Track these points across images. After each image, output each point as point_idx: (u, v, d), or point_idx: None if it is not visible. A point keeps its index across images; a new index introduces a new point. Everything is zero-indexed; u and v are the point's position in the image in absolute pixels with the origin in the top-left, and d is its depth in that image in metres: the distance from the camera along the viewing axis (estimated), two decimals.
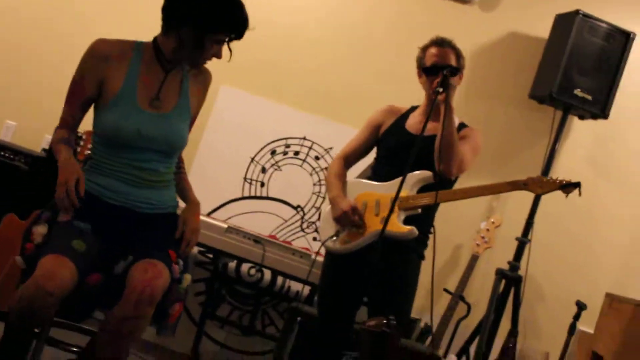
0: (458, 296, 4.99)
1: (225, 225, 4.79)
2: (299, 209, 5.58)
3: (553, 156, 5.36)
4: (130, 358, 3.02)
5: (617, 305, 4.83)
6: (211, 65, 3.29)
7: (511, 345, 5.02)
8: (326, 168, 5.50)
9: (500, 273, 5.13)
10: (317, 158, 5.60)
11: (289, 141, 5.64)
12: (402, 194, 3.65)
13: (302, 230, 5.56)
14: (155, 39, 3.19)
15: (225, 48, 3.17)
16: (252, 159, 5.61)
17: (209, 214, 5.32)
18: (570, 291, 5.36)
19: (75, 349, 3.93)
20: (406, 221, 3.75)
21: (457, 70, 3.82)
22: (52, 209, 3.09)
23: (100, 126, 3.11)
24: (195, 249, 4.94)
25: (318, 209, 5.56)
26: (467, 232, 5.41)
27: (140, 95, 3.12)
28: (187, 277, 3.18)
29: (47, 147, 5.38)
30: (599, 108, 5.25)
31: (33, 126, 5.58)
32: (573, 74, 5.18)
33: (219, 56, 3.15)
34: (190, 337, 5.22)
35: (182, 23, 3.05)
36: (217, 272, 5.15)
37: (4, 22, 5.73)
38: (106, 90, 3.11)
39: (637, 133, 5.70)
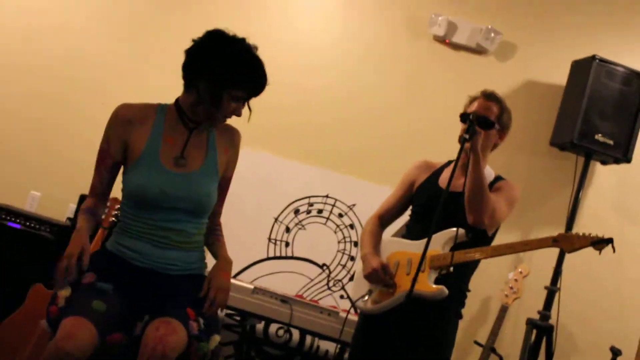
0: (489, 349, 4.93)
1: (251, 287, 4.77)
2: (324, 267, 5.56)
3: (577, 203, 5.33)
4: None
5: None
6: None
7: None
8: (350, 225, 5.50)
9: (531, 323, 5.08)
10: (340, 215, 5.59)
11: (312, 199, 5.64)
12: (433, 252, 3.59)
13: (329, 288, 5.53)
14: (177, 99, 3.22)
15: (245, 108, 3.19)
16: (276, 219, 5.61)
17: (235, 276, 5.31)
18: (604, 337, 5.29)
19: None
20: (439, 280, 3.64)
21: (488, 123, 3.74)
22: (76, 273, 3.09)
23: (126, 188, 3.15)
24: (223, 311, 4.92)
25: (344, 266, 5.53)
26: (495, 283, 5.36)
27: (164, 154, 3.14)
28: (216, 338, 3.14)
29: (71, 216, 5.41)
30: (621, 152, 5.23)
31: (57, 196, 5.63)
32: (593, 119, 5.17)
33: (238, 114, 3.16)
34: None
35: (200, 78, 3.08)
36: (245, 333, 5.12)
37: (26, 96, 5.81)
38: (130, 153, 3.14)
39: None
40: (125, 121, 3.15)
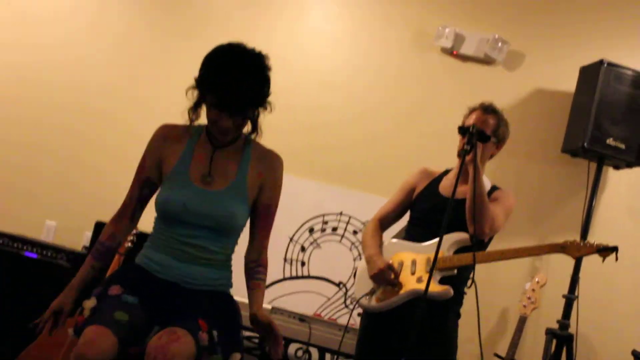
0: None
1: (269, 307, 4.78)
2: (341, 285, 5.55)
3: (592, 209, 5.30)
4: None
5: None
6: None
7: None
8: None
9: (550, 333, 5.05)
10: (355, 232, 5.59)
11: (326, 217, 5.65)
12: (439, 254, 3.67)
13: (346, 306, 5.53)
14: None
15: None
16: (291, 239, 5.61)
17: None
18: (624, 343, 5.22)
19: None
20: (442, 282, 3.78)
21: (484, 137, 3.85)
22: (104, 285, 3.13)
23: (156, 201, 3.19)
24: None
25: None
26: (512, 294, 5.34)
27: (193, 171, 3.18)
28: (236, 357, 3.10)
29: (87, 244, 5.44)
30: (634, 156, 5.19)
31: (73, 225, 5.67)
32: (604, 123, 5.15)
33: (220, 125, 3.09)
34: None
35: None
36: (264, 356, 5.11)
37: (39, 127, 5.88)
38: (164, 170, 3.20)
39: None
40: (162, 138, 3.23)
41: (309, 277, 5.58)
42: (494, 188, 4.05)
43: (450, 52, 5.80)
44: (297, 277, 5.58)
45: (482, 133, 3.84)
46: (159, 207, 3.17)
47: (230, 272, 3.33)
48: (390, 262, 3.93)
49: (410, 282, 3.85)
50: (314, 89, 5.85)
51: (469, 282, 3.63)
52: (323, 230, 5.63)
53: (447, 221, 3.41)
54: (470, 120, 3.94)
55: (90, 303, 3.08)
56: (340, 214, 5.63)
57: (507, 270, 4.99)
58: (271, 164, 3.33)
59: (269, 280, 5.41)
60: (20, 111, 5.90)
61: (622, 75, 5.21)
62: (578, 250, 3.75)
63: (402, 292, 3.86)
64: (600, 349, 5.51)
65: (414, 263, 3.89)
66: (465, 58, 5.81)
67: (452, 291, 3.73)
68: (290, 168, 5.53)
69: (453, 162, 4.08)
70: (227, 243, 3.27)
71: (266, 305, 4.76)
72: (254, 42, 5.87)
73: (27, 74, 5.94)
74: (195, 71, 3.14)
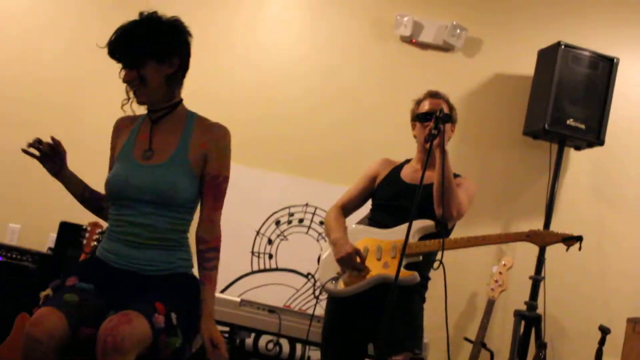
0: (479, 344, 4.92)
1: (238, 299, 4.76)
2: (309, 277, 5.55)
3: (555, 190, 5.34)
4: None
5: None
6: None
7: None
8: None
9: (519, 314, 5.09)
10: (321, 223, 5.59)
11: (292, 209, 5.64)
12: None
13: (315, 297, 5.51)
14: None
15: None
16: (258, 232, 5.60)
17: (220, 293, 5.29)
18: (591, 322, 5.24)
19: None
20: (407, 267, 3.78)
21: (449, 117, 3.85)
22: (62, 278, 3.13)
23: (105, 184, 3.25)
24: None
25: None
26: (480, 278, 5.38)
27: (136, 150, 3.24)
28: (199, 339, 3.15)
29: (52, 245, 5.39)
30: (594, 135, 5.25)
31: (37, 227, 5.61)
32: (563, 105, 5.19)
33: (127, 81, 3.20)
34: None
35: None
36: (234, 348, 5.10)
37: (3, 126, 5.81)
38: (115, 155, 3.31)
39: (634, 155, 5.71)
40: (115, 131, 3.37)
41: (277, 269, 5.58)
42: (455, 175, 4.06)
43: (410, 40, 5.82)
44: (265, 270, 5.57)
45: (448, 115, 3.83)
46: (106, 188, 3.23)
47: (189, 252, 3.30)
48: (357, 246, 3.93)
49: (377, 268, 3.87)
50: (275, 81, 5.84)
51: (436, 264, 3.62)
52: (289, 222, 5.63)
53: (417, 207, 3.39)
54: (425, 108, 4.04)
55: (45, 292, 3.12)
56: (306, 205, 5.63)
57: (475, 254, 5.00)
58: (215, 134, 3.26)
59: (236, 275, 5.47)
60: None
61: (579, 56, 5.26)
62: (543, 240, 3.82)
63: (368, 276, 3.87)
64: (568, 328, 5.56)
65: (380, 249, 3.91)
66: (424, 46, 5.83)
67: (418, 277, 3.76)
68: (254, 161, 5.63)
69: (414, 150, 4.13)
70: (175, 218, 3.20)
71: (234, 299, 4.75)
72: (213, 37, 5.90)
73: None
74: None
